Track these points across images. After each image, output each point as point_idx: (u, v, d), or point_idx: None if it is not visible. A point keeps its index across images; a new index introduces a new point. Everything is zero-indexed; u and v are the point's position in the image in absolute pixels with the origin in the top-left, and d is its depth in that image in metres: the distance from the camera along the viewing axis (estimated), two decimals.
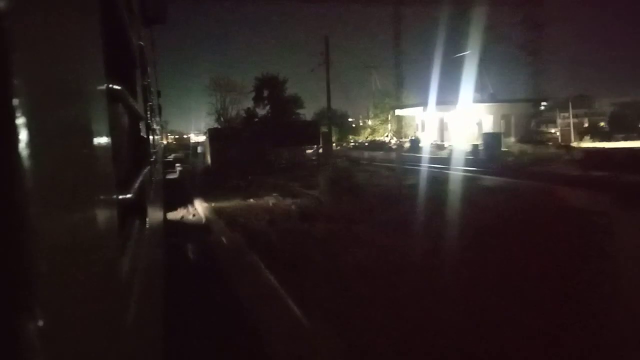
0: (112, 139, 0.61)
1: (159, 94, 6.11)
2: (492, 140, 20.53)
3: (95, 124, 0.48)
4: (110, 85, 0.73)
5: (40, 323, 0.26)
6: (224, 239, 6.90)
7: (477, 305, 3.54)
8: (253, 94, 28.96)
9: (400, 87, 37.82)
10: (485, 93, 29.13)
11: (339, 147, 30.34)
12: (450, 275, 4.31)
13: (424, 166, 16.34)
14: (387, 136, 37.61)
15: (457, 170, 14.55)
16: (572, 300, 3.57)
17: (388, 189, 11.21)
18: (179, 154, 35.81)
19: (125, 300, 0.63)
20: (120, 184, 0.75)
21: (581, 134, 26.53)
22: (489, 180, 11.98)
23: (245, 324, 3.41)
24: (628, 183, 9.88)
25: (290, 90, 28.09)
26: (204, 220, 9.10)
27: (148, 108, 2.32)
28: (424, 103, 30.14)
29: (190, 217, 9.92)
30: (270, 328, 3.36)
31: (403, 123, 37.22)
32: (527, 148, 20.18)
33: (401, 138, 35.22)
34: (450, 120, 29.80)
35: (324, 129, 24.57)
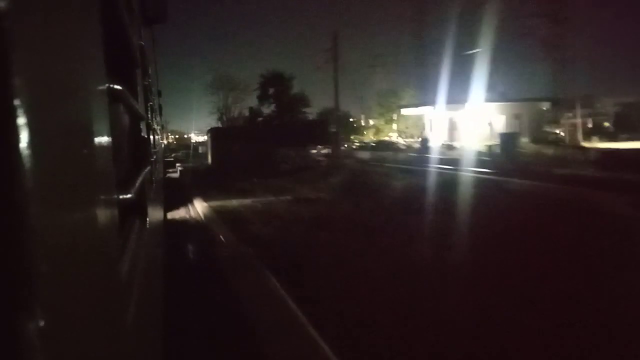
0: (113, 139, 0.62)
1: (159, 93, 6.12)
2: (508, 140, 19.98)
3: (96, 123, 0.48)
4: (111, 85, 0.73)
5: (41, 323, 0.26)
6: (232, 254, 6.03)
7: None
8: (256, 93, 28.31)
9: (407, 85, 37.40)
10: (495, 92, 28.66)
11: (342, 148, 29.66)
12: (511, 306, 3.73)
13: (440, 168, 15.91)
14: (392, 136, 37.03)
15: (477, 173, 14.12)
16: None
17: (408, 195, 10.45)
18: (180, 154, 35.37)
19: (125, 300, 0.64)
20: (120, 184, 0.75)
21: (588, 134, 26.35)
22: (516, 184, 11.30)
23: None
24: None
25: (294, 88, 27.30)
26: (207, 228, 8.31)
27: (149, 108, 2.33)
28: (432, 102, 29.74)
29: (192, 223, 9.20)
30: None
31: (408, 123, 36.84)
32: (540, 148, 19.91)
33: (406, 138, 35.03)
34: (460, 120, 29.39)
35: (331, 129, 24.03)
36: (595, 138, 25.19)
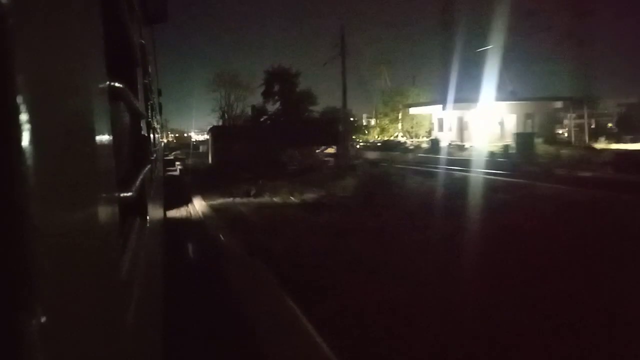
0: (114, 138, 0.63)
1: (159, 92, 6.12)
2: (524, 141, 19.35)
3: (96, 122, 0.48)
4: (112, 84, 0.73)
5: (41, 322, 0.26)
6: (241, 270, 5.23)
7: None
8: (259, 91, 27.24)
9: (412, 84, 37.02)
10: (504, 91, 28.19)
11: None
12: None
13: (456, 170, 15.35)
14: (397, 136, 36.57)
15: (497, 175, 13.44)
16: None
17: (434, 201, 9.51)
18: (180, 153, 34.95)
19: (125, 299, 0.65)
20: (121, 183, 0.76)
21: (594, 135, 26.20)
22: (545, 189, 10.59)
23: None
24: None
25: (300, 85, 26.03)
26: (209, 234, 7.68)
27: (149, 106, 2.33)
28: (440, 101, 29.19)
29: (193, 228, 8.58)
30: None
31: (414, 122, 36.41)
32: (553, 149, 19.57)
33: (412, 138, 34.77)
34: (470, 119, 28.70)
35: (340, 128, 23.13)
36: (602, 139, 24.94)
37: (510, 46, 25.41)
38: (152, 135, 2.52)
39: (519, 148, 19.02)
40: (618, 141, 23.95)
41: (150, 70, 2.48)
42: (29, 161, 0.26)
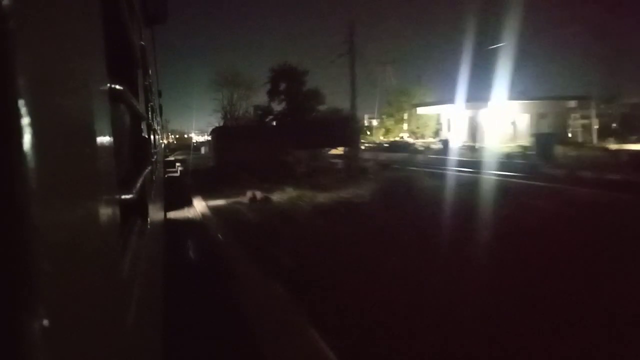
0: (114, 139, 0.64)
1: (160, 93, 6.14)
2: (544, 142, 18.68)
3: (97, 123, 0.49)
4: (112, 86, 0.75)
5: (42, 322, 0.27)
6: (259, 301, 4.44)
7: None
8: (263, 90, 26.45)
9: (418, 83, 36.44)
10: (515, 90, 27.58)
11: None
12: None
13: (475, 173, 14.74)
14: (402, 137, 36.19)
15: (523, 179, 12.82)
16: None
17: (464, 209, 8.66)
18: (180, 154, 34.69)
19: (126, 299, 0.65)
20: (121, 184, 0.76)
21: (603, 136, 26.03)
22: (583, 194, 9.99)
23: None
24: None
25: (306, 84, 25.19)
26: (215, 242, 7.05)
27: (149, 108, 2.34)
28: (449, 100, 28.63)
29: (194, 230, 8.07)
30: None
31: (419, 122, 36.06)
32: (571, 150, 19.19)
33: (418, 138, 34.50)
34: (481, 119, 28.17)
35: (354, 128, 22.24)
36: (610, 139, 24.71)
37: (523, 44, 24.83)
38: (152, 137, 2.53)
39: (539, 149, 18.39)
40: (627, 141, 23.77)
41: (150, 71, 2.49)
42: (30, 162, 0.27)
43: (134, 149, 1.32)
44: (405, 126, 37.66)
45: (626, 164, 14.86)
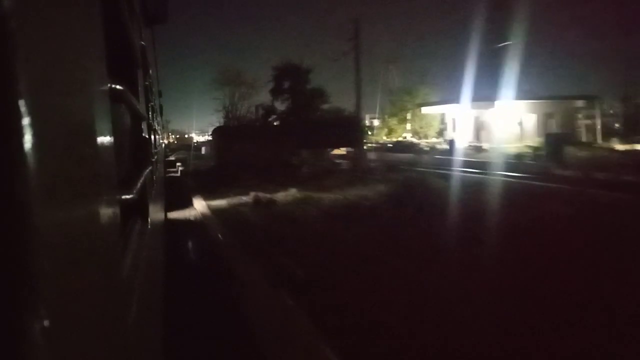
0: (115, 139, 0.65)
1: (160, 94, 6.17)
2: (556, 142, 18.46)
3: (98, 124, 0.50)
4: (113, 86, 0.75)
5: (43, 323, 0.27)
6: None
7: None
8: (264, 90, 26.19)
9: (421, 83, 36.10)
10: (520, 89, 27.08)
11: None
12: None
13: (488, 175, 14.38)
14: (405, 137, 36.05)
15: (540, 181, 12.36)
16: None
17: (486, 214, 8.15)
18: (181, 154, 34.71)
19: (127, 300, 0.66)
20: (122, 184, 0.77)
21: (607, 136, 25.90)
22: (608, 198, 9.57)
23: None
24: None
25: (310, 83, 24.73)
26: (221, 259, 6.36)
27: (149, 108, 2.35)
28: (454, 99, 28.45)
29: (195, 232, 7.68)
30: None
31: (423, 122, 35.91)
32: (576, 150, 18.91)
33: (421, 138, 34.41)
34: (487, 119, 28.07)
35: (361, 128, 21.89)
36: (614, 139, 24.59)
37: (529, 42, 24.57)
38: (152, 137, 2.54)
39: (549, 150, 18.12)
40: (629, 142, 23.65)
41: (150, 71, 2.50)
42: (31, 162, 0.27)
43: (135, 149, 1.33)
44: (408, 126, 37.47)
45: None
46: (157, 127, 3.76)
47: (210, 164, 24.19)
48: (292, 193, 11.93)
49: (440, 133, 34.77)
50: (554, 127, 26.44)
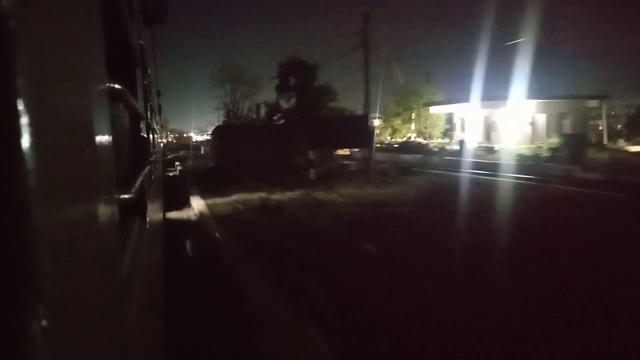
0: (113, 139, 0.66)
1: (158, 93, 6.19)
2: (576, 143, 18.12)
3: (96, 123, 0.51)
4: (112, 85, 0.77)
5: (43, 322, 0.28)
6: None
7: None
8: (267, 88, 26.32)
9: (428, 81, 35.67)
10: (530, 88, 26.79)
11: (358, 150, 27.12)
12: None
13: (510, 178, 13.88)
14: (409, 137, 35.83)
15: (567, 185, 11.83)
16: None
17: (522, 221, 7.71)
18: (180, 154, 34.73)
19: (126, 299, 0.69)
20: (121, 184, 0.78)
21: (613, 137, 25.66)
22: None
23: None
24: None
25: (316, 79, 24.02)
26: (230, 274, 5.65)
27: (148, 107, 2.37)
28: (462, 99, 28.30)
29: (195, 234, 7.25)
30: None
31: (428, 122, 35.70)
32: (594, 152, 18.83)
33: (426, 139, 34.22)
34: (498, 119, 27.87)
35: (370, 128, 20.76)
36: (621, 141, 24.35)
37: (541, 40, 24.25)
38: (151, 136, 2.56)
39: (569, 151, 17.64)
40: (637, 142, 23.38)
41: (149, 71, 2.52)
42: (29, 162, 0.28)
43: (133, 148, 1.35)
44: (412, 126, 37.25)
45: None
46: (155, 127, 3.78)
47: (210, 164, 23.89)
48: (302, 197, 11.10)
49: (446, 133, 34.59)
50: (567, 127, 26.27)
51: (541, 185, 12.44)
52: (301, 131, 19.64)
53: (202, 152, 38.26)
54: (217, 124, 32.19)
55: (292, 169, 16.84)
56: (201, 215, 10.02)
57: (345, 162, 20.98)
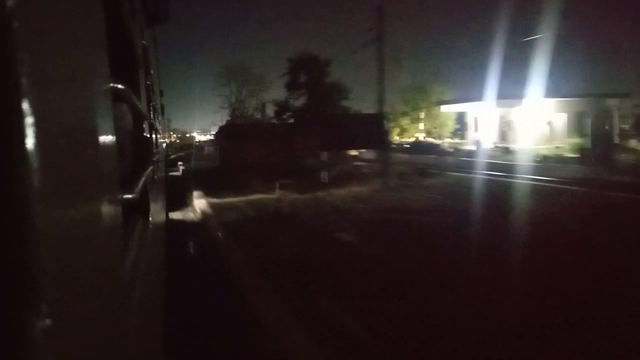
0: (116, 139, 0.68)
1: (161, 93, 6.25)
2: (605, 142, 18.10)
3: (100, 123, 0.52)
4: (115, 85, 0.79)
5: (45, 322, 0.29)
6: None
7: None
8: (274, 87, 26.11)
9: (437, 80, 35.27)
10: (547, 87, 26.65)
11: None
12: None
13: (539, 181, 13.16)
14: (417, 137, 35.64)
15: (608, 190, 11.05)
16: None
17: (578, 232, 6.93)
18: (183, 154, 35.03)
19: (128, 299, 0.71)
20: (123, 183, 0.80)
21: (625, 137, 25.22)
22: None
23: None
24: None
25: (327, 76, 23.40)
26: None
27: (151, 107, 2.41)
28: (475, 97, 28.12)
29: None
30: None
31: (437, 122, 35.47)
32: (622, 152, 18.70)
33: (435, 138, 34.01)
34: (514, 119, 27.62)
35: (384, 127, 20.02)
36: (634, 141, 23.88)
37: (559, 36, 23.75)
38: (154, 136, 2.60)
39: (598, 152, 17.37)
40: None
41: (152, 71, 2.56)
42: (33, 162, 0.29)
43: (136, 148, 1.38)
44: (421, 125, 36.95)
45: None
46: (158, 127, 3.83)
47: (214, 164, 23.76)
48: (318, 203, 10.19)
49: (455, 133, 34.31)
50: (587, 127, 26.00)
51: (579, 190, 11.49)
52: (312, 131, 19.07)
53: (206, 152, 38.46)
54: (221, 124, 32.22)
55: (302, 171, 16.29)
56: (205, 220, 9.52)
57: (357, 164, 20.45)
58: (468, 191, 11.22)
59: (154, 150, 2.45)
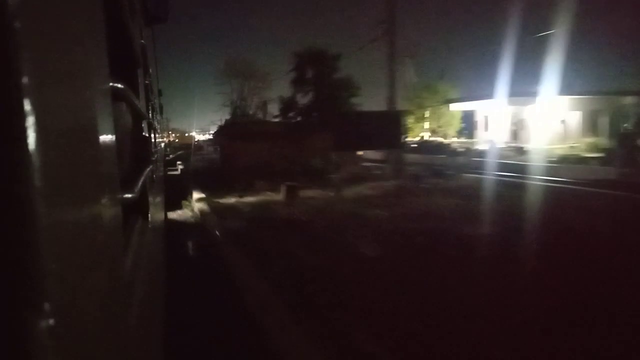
0: (116, 138, 0.69)
1: (160, 92, 6.31)
2: (630, 142, 17.42)
3: (99, 123, 0.53)
4: (114, 85, 0.81)
5: (46, 321, 0.29)
6: None
7: None
8: (277, 84, 26.06)
9: (443, 77, 35.12)
10: (560, 84, 26.09)
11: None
12: None
13: (570, 184, 12.69)
14: (422, 136, 35.59)
15: None
16: None
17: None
18: (182, 153, 35.19)
19: (128, 298, 0.73)
20: (123, 183, 0.83)
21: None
22: None
23: None
24: None
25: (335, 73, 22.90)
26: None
27: (150, 107, 2.44)
28: (485, 95, 27.96)
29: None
30: None
31: (443, 121, 35.40)
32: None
33: (441, 137, 33.95)
34: (527, 117, 27.51)
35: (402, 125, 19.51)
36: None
37: (574, 31, 23.51)
38: (153, 136, 2.64)
39: (626, 153, 16.70)
40: None
41: (150, 70, 2.60)
42: (33, 161, 0.29)
43: (135, 148, 1.41)
44: (426, 124, 36.85)
45: None
46: (157, 126, 3.87)
47: (214, 164, 23.61)
48: (333, 207, 9.51)
49: (461, 132, 34.23)
50: (603, 126, 25.80)
51: (620, 195, 10.56)
52: (321, 129, 18.57)
53: (205, 151, 38.50)
54: (220, 124, 31.91)
55: (310, 172, 15.88)
56: (205, 222, 9.20)
57: (365, 164, 20.05)
58: (496, 195, 10.24)
59: (153, 150, 2.48)
